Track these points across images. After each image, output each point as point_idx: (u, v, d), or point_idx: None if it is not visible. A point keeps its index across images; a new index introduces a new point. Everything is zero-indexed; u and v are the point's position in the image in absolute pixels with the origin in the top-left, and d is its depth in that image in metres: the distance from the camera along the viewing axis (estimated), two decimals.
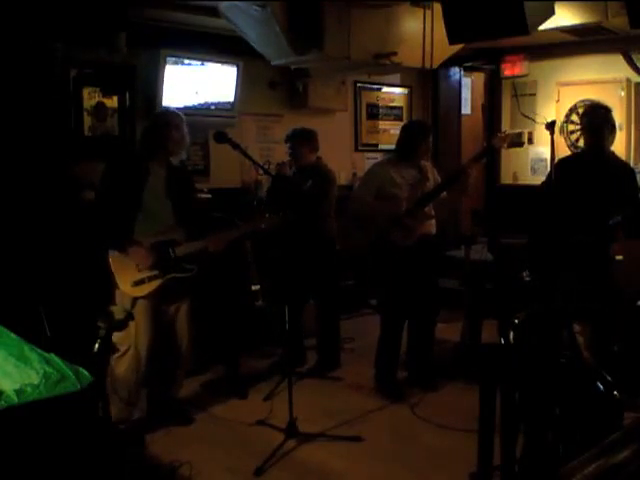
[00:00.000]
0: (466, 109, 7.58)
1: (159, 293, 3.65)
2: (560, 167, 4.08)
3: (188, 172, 4.06)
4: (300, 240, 4.42)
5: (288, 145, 4.79)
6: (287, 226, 4.11)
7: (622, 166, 4.13)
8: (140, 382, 3.74)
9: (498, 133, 4.91)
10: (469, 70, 7.40)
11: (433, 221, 4.37)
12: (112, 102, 4.89)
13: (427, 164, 4.45)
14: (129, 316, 3.33)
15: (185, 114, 5.12)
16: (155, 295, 3.63)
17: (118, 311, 3.56)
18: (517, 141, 6.96)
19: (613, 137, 4.04)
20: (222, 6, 4.49)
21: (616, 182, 3.89)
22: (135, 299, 3.59)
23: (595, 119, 4.01)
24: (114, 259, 3.60)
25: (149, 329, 3.64)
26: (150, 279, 3.59)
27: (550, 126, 3.86)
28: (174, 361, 3.88)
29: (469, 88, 7.67)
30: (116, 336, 3.41)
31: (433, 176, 4.41)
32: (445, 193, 4.32)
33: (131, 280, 3.56)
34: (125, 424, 3.63)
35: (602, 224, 3.76)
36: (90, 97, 4.77)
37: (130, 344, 3.61)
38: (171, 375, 3.91)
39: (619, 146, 5.82)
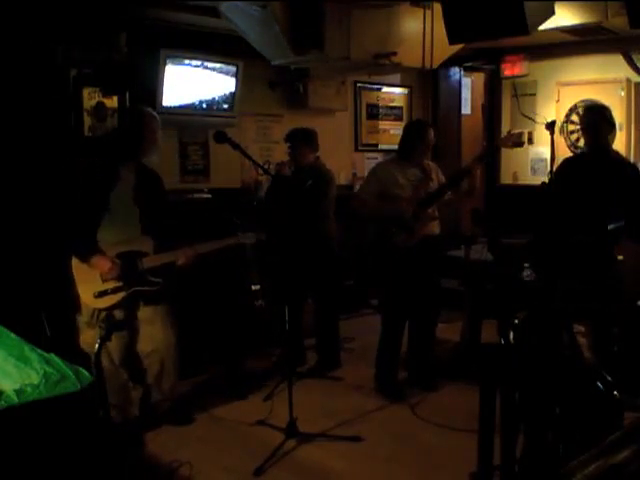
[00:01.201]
0: (466, 109, 7.58)
1: (122, 305, 3.52)
2: (563, 167, 4.09)
3: (158, 177, 3.89)
4: (299, 240, 4.42)
5: (288, 144, 4.80)
6: (286, 228, 4.09)
7: (626, 165, 4.12)
8: (124, 385, 3.71)
9: (507, 134, 4.91)
10: (469, 70, 7.40)
11: (436, 222, 4.36)
12: (112, 102, 4.87)
13: (431, 164, 4.42)
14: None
15: (185, 114, 5.19)
16: (118, 307, 3.51)
17: (83, 321, 3.56)
18: (517, 141, 6.95)
19: (613, 136, 4.04)
20: (222, 6, 4.49)
21: (619, 181, 3.88)
22: (98, 310, 3.48)
23: (592, 118, 4.01)
24: (77, 268, 3.49)
25: (118, 337, 3.51)
26: (114, 291, 3.45)
27: (550, 126, 3.86)
28: (158, 368, 3.80)
29: (469, 88, 7.67)
30: (88, 344, 3.33)
31: (437, 177, 4.39)
32: (450, 194, 4.31)
33: (94, 291, 3.43)
34: (123, 425, 3.62)
35: (604, 224, 3.75)
36: (90, 97, 4.76)
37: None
38: (158, 379, 3.83)
39: (619, 146, 5.81)
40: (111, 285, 3.45)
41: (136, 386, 3.88)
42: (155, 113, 3.83)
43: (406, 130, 4.44)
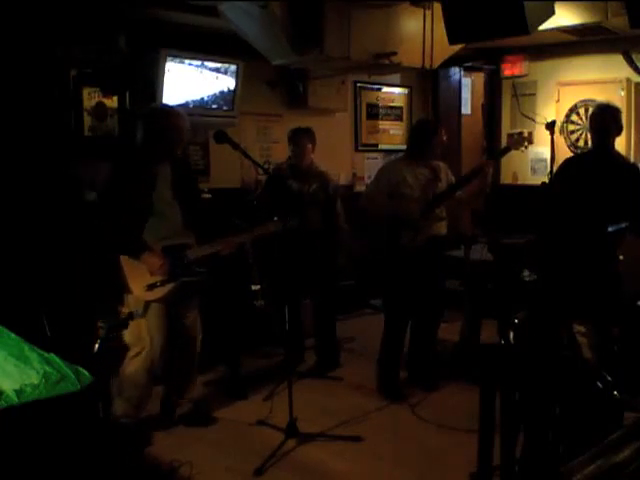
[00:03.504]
0: (466, 109, 7.58)
1: (171, 296, 3.65)
2: (565, 167, 4.08)
3: (190, 168, 3.99)
4: (301, 241, 4.41)
5: (293, 142, 4.75)
6: (290, 230, 4.08)
7: (627, 166, 4.11)
8: (150, 384, 3.75)
9: (515, 135, 4.89)
10: (469, 70, 7.40)
11: (444, 222, 4.35)
12: (112, 102, 4.88)
13: (441, 164, 4.39)
14: (130, 316, 3.33)
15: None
16: (167, 298, 3.63)
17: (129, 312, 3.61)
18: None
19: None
20: (222, 6, 4.49)
21: (621, 182, 3.87)
22: (148, 302, 3.59)
23: (603, 120, 3.98)
24: (126, 264, 3.58)
25: (163, 330, 3.67)
26: (162, 283, 3.58)
27: (550, 126, 3.86)
28: (188, 361, 3.91)
29: (469, 88, 7.68)
30: (129, 337, 3.54)
31: (447, 177, 4.36)
32: (460, 193, 4.29)
33: (144, 284, 3.54)
34: (132, 423, 3.64)
35: (605, 224, 3.75)
36: (90, 97, 4.77)
37: (143, 346, 3.63)
38: (186, 375, 3.94)
39: (619, 146, 5.78)
40: (159, 278, 3.58)
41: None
42: (179, 109, 3.87)
43: (417, 130, 4.39)
